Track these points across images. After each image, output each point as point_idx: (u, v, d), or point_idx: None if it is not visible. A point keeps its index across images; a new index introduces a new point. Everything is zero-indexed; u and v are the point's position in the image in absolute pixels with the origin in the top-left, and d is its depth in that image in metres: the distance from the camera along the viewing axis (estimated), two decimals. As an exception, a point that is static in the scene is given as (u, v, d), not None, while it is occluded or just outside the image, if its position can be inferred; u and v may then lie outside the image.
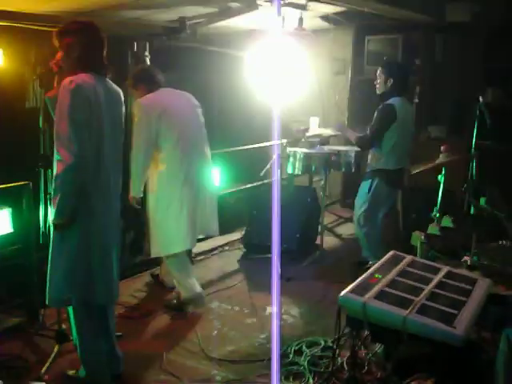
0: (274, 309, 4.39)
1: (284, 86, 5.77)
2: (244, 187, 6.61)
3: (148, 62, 5.94)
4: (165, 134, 4.18)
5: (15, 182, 3.90)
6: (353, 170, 5.85)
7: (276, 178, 5.19)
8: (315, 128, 6.86)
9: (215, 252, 5.82)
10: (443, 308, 2.77)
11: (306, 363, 3.53)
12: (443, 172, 4.42)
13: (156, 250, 4.40)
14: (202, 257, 5.65)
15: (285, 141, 5.89)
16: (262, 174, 5.34)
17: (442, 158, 4.45)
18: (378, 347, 3.53)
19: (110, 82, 3.15)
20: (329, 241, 6.19)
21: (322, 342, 3.79)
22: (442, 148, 4.43)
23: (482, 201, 4.50)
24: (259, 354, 3.73)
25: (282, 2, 5.26)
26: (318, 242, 5.82)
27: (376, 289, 2.94)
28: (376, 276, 3.11)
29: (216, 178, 5.76)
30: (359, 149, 5.20)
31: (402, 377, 3.05)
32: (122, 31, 5.87)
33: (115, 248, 3.22)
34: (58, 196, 2.87)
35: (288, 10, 5.51)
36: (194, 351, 3.78)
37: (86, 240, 3.02)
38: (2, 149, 4.77)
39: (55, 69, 3.12)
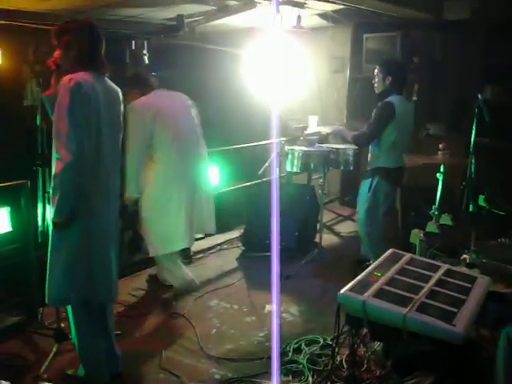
0: (273, 307, 4.39)
1: (282, 84, 5.76)
2: (243, 185, 6.60)
3: (146, 61, 5.93)
4: (159, 135, 4.24)
5: (13, 181, 3.89)
6: (351, 167, 5.87)
7: (274, 176, 5.20)
8: (314, 126, 6.87)
9: (214, 250, 5.81)
10: (443, 306, 2.77)
11: (305, 361, 3.54)
12: (442, 170, 4.41)
13: (154, 249, 4.43)
14: (200, 255, 5.64)
15: (283, 139, 5.88)
16: (260, 172, 5.34)
17: (440, 156, 4.45)
18: (377, 345, 3.53)
19: (109, 80, 3.15)
20: (328, 239, 6.19)
21: (321, 340, 3.79)
22: (440, 146, 4.42)
23: (481, 198, 4.49)
24: (258, 352, 3.73)
25: (280, 0, 5.25)
26: (316, 239, 5.81)
27: (375, 287, 2.93)
28: (375, 274, 3.10)
29: (214, 176, 5.77)
30: (357, 146, 5.19)
31: (401, 375, 3.05)
32: (120, 29, 5.86)
33: (114, 247, 3.22)
34: (58, 195, 2.86)
35: (286, 7, 5.50)
36: (192, 349, 3.78)
37: (85, 239, 3.01)
38: (0, 147, 4.76)
39: (53, 67, 3.11)
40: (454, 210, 4.80)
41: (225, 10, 5.74)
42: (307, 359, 3.56)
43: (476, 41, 6.51)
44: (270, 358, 3.57)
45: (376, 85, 4.72)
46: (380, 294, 2.86)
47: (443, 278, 3.13)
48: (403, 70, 4.84)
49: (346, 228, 6.79)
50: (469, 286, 3.05)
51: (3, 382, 3.03)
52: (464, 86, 6.65)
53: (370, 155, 4.78)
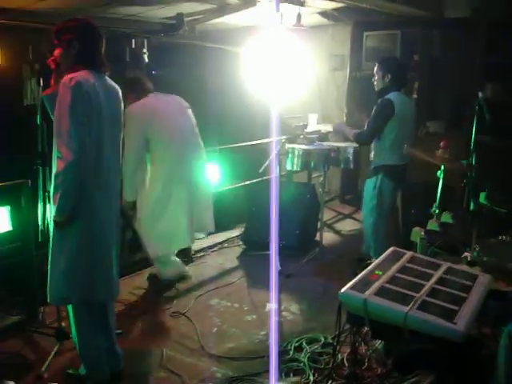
0: (272, 305, 4.39)
1: (283, 82, 5.75)
2: (243, 184, 6.60)
3: (146, 59, 5.94)
4: (156, 138, 4.30)
5: (13, 180, 3.89)
6: (352, 166, 5.87)
7: (274, 174, 5.20)
8: (314, 124, 6.86)
9: (214, 249, 5.81)
10: (444, 304, 2.76)
11: (306, 360, 3.53)
12: (442, 168, 4.41)
13: (155, 250, 4.46)
14: (201, 254, 5.65)
15: (284, 137, 5.88)
16: (261, 170, 5.33)
17: (440, 154, 4.44)
18: (378, 343, 3.53)
19: (109, 79, 3.14)
20: (328, 237, 6.19)
21: (322, 339, 3.78)
22: (441, 144, 4.42)
23: (482, 196, 4.49)
24: (259, 350, 3.73)
25: (280, -1, 5.25)
26: (317, 238, 5.81)
27: (376, 285, 2.93)
28: (376, 272, 3.10)
29: (215, 174, 5.77)
30: (358, 144, 5.19)
31: (402, 373, 3.05)
32: (119, 28, 5.86)
33: (115, 245, 3.21)
34: (59, 194, 2.86)
35: (286, 6, 5.49)
36: (193, 348, 3.78)
37: (86, 238, 3.01)
38: (0, 147, 4.76)
39: (53, 66, 3.11)
40: (455, 207, 4.80)
41: (225, 9, 5.74)
42: (308, 357, 3.56)
43: (476, 39, 6.50)
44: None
45: (375, 82, 4.72)
46: (381, 293, 2.85)
47: (444, 276, 3.13)
48: (403, 67, 4.84)
49: (346, 226, 6.80)
50: (470, 284, 3.05)
51: (7, 381, 3.04)
52: (464, 84, 6.65)
53: (372, 153, 4.77)
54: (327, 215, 6.94)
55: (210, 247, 5.80)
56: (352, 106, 7.55)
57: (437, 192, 4.45)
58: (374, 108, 4.64)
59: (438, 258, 3.62)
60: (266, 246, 5.04)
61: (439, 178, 4.43)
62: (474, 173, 4.54)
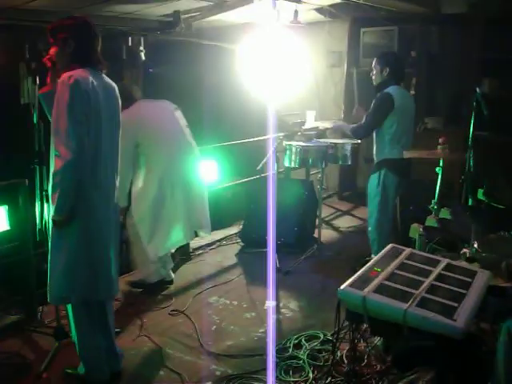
0: (269, 303, 4.40)
1: (280, 79, 5.75)
2: (241, 181, 6.60)
3: (143, 57, 5.93)
4: (146, 142, 4.35)
5: (11, 180, 3.88)
6: (349, 162, 5.88)
7: (272, 171, 5.19)
8: (311, 121, 6.86)
9: (213, 247, 5.81)
10: (443, 301, 2.76)
11: (305, 357, 3.53)
12: (441, 164, 4.40)
13: (155, 250, 4.46)
14: (199, 251, 5.64)
15: (281, 134, 5.87)
16: (259, 167, 5.33)
17: (440, 150, 4.43)
18: (378, 340, 3.53)
19: (106, 76, 3.13)
20: (326, 234, 6.19)
21: (322, 336, 3.79)
22: (440, 140, 4.41)
23: (480, 192, 4.48)
24: (258, 348, 3.72)
25: (276, -5, 5.24)
26: (315, 235, 5.81)
27: (375, 282, 2.92)
28: (375, 269, 3.09)
29: (212, 172, 5.76)
30: (356, 138, 5.17)
31: (401, 370, 3.04)
32: (116, 26, 5.85)
33: (114, 244, 3.21)
34: (57, 193, 2.85)
35: (283, 3, 5.48)
36: (192, 346, 3.78)
37: (85, 236, 3.01)
38: (-3, 146, 4.76)
39: (49, 65, 3.10)
40: (454, 203, 4.79)
41: (221, 6, 5.72)
42: (307, 355, 3.56)
43: (473, 35, 6.49)
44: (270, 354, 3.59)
45: (374, 77, 4.71)
46: (380, 290, 2.85)
47: (443, 272, 3.12)
48: (401, 61, 4.83)
49: (344, 223, 6.79)
50: (469, 280, 3.04)
51: None
52: (462, 79, 6.65)
53: (374, 148, 4.76)
54: (325, 212, 6.94)
55: (208, 245, 5.80)
56: (350, 102, 7.54)
57: (435, 188, 4.45)
58: (373, 102, 4.63)
59: (436, 254, 3.61)
60: (264, 244, 5.04)
61: (438, 174, 4.42)
62: (473, 168, 4.54)
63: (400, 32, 6.93)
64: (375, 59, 4.70)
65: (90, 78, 2.93)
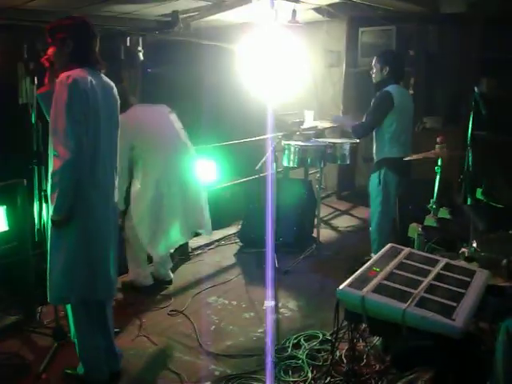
0: (268, 303, 4.40)
1: (278, 79, 5.75)
2: (240, 181, 6.59)
3: (141, 57, 5.92)
4: (141, 146, 4.38)
5: (9, 180, 3.87)
6: (348, 162, 5.88)
7: (270, 171, 5.20)
8: (310, 121, 6.86)
9: (211, 247, 5.80)
10: (442, 300, 2.76)
11: (304, 357, 3.53)
12: (439, 163, 4.40)
13: (156, 251, 4.47)
14: (198, 251, 5.64)
15: (280, 134, 5.87)
16: (257, 167, 5.33)
17: (438, 150, 4.43)
18: (376, 340, 3.53)
19: (104, 76, 3.13)
20: (325, 233, 6.19)
21: (321, 336, 3.79)
22: (438, 139, 4.40)
23: (479, 192, 4.48)
24: (257, 348, 3.73)
25: (275, -5, 5.24)
26: (314, 234, 5.81)
27: (374, 282, 2.92)
28: (374, 269, 3.09)
29: (211, 172, 5.76)
30: (356, 137, 5.16)
31: (400, 369, 3.04)
32: (114, 26, 5.84)
33: (113, 244, 3.21)
34: (56, 192, 2.85)
35: (281, 2, 5.48)
36: (191, 346, 3.78)
37: (84, 236, 3.01)
38: (-5, 146, 4.75)
39: (47, 65, 3.10)
40: (452, 203, 4.79)
41: (220, 6, 5.72)
42: (306, 354, 3.56)
43: (472, 34, 6.49)
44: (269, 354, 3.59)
45: (373, 75, 4.70)
46: (379, 290, 2.84)
47: (442, 272, 3.12)
48: (400, 60, 4.83)
49: (343, 222, 6.79)
50: (468, 279, 3.04)
51: None
52: (460, 79, 6.65)
53: (374, 147, 4.76)
54: (324, 212, 6.94)
55: (207, 245, 5.79)
56: (348, 102, 7.55)
57: (434, 188, 4.44)
58: (373, 101, 4.63)
59: (435, 253, 3.61)
60: (263, 243, 5.04)
61: (436, 174, 4.42)
62: (471, 168, 4.54)
63: (398, 31, 6.93)
64: (375, 57, 4.69)
65: (89, 78, 2.93)
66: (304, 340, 3.75)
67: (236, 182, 6.60)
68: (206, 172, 5.44)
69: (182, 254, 5.35)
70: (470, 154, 4.64)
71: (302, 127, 6.38)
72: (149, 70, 6.91)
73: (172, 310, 4.30)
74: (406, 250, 3.43)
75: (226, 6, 5.71)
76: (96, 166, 2.99)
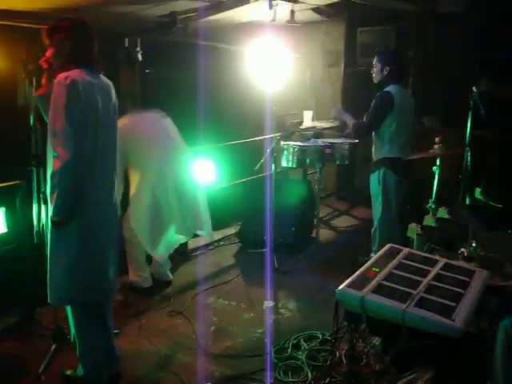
0: (268, 303, 4.40)
1: (277, 79, 5.75)
2: (239, 181, 6.59)
3: (140, 58, 5.91)
4: (135, 150, 4.41)
5: (8, 182, 3.87)
6: (347, 162, 5.87)
7: (269, 172, 5.20)
8: (309, 121, 6.86)
9: (211, 247, 5.80)
10: (441, 300, 2.76)
11: (304, 357, 3.53)
12: (438, 163, 4.40)
13: (156, 252, 4.47)
14: (197, 252, 5.63)
15: (279, 134, 5.88)
16: (256, 168, 5.33)
17: (436, 149, 4.43)
18: (376, 340, 3.53)
19: (103, 76, 3.12)
20: (324, 234, 6.19)
21: (320, 336, 3.79)
22: (436, 139, 4.41)
23: (478, 191, 4.48)
24: (257, 348, 3.73)
25: (273, -5, 5.24)
26: (313, 235, 5.81)
27: (374, 282, 2.92)
28: (373, 269, 3.09)
29: (210, 172, 5.76)
30: (356, 137, 5.15)
31: (400, 370, 3.04)
32: (112, 27, 5.83)
33: (113, 245, 3.21)
34: (56, 193, 2.84)
35: (279, 3, 5.48)
36: (191, 347, 3.77)
37: (83, 237, 3.00)
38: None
39: (45, 66, 3.09)
40: (451, 203, 4.79)
41: (218, 6, 5.71)
42: (306, 355, 3.56)
43: (470, 33, 6.49)
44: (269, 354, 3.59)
45: (374, 74, 4.69)
46: (378, 290, 2.85)
47: (441, 272, 3.13)
48: (401, 59, 4.82)
49: (342, 222, 6.80)
50: (467, 279, 3.05)
51: None
52: (459, 78, 6.64)
53: (373, 147, 4.75)
54: (323, 212, 6.94)
55: (207, 245, 5.79)
56: (347, 102, 7.54)
57: (433, 187, 4.45)
58: (373, 101, 4.62)
59: (434, 253, 3.62)
60: (263, 244, 5.05)
61: (435, 173, 4.42)
62: (470, 167, 4.54)
63: (396, 31, 6.93)
64: (376, 57, 4.67)
65: (87, 78, 2.92)
66: (304, 340, 3.75)
67: (235, 182, 6.60)
68: (205, 173, 5.44)
69: (182, 255, 5.35)
70: (468, 154, 4.64)
71: (300, 127, 6.39)
72: (147, 71, 6.91)
73: (172, 311, 4.30)
74: (405, 250, 3.43)
75: (224, 6, 5.70)
76: (96, 167, 2.99)
